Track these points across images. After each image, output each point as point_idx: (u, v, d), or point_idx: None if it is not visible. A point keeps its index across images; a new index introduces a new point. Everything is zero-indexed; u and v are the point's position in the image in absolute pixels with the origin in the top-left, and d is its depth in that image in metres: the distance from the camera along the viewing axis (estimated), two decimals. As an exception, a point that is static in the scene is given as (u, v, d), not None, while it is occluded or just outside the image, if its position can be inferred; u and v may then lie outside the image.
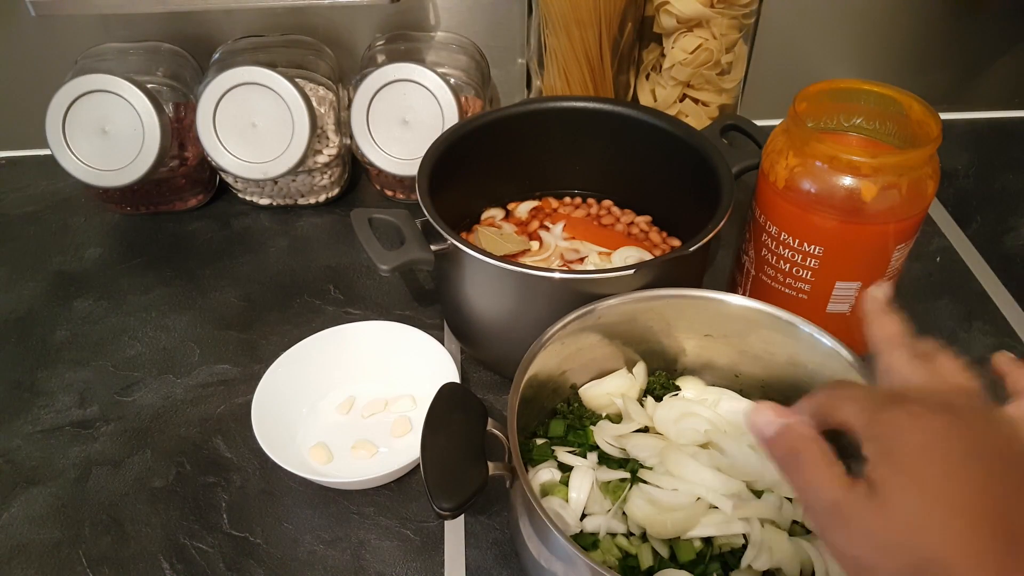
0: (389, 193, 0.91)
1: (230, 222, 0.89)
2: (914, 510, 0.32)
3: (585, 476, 0.52)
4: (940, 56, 0.97)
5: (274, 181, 0.85)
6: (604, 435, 0.55)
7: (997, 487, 0.32)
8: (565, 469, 0.54)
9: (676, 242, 0.76)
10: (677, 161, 0.71)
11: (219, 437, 0.66)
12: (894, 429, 0.34)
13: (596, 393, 0.59)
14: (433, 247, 0.63)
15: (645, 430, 0.56)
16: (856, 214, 0.57)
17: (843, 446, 0.37)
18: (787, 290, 0.64)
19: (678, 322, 0.59)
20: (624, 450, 0.55)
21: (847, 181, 0.57)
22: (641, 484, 0.52)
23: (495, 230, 0.76)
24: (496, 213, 0.80)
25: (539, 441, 0.56)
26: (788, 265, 0.63)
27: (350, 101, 0.83)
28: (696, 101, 0.85)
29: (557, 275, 0.58)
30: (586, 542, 0.50)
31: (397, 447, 0.65)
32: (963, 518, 0.31)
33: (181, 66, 0.88)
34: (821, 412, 0.37)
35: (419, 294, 0.79)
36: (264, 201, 0.89)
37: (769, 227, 0.62)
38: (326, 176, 0.87)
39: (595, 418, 0.58)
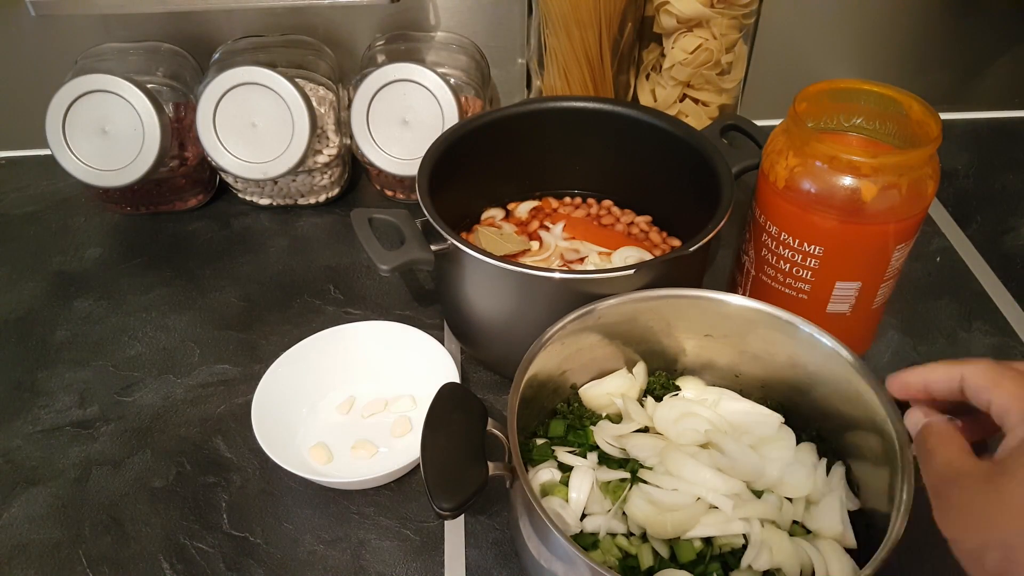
0: (389, 193, 0.91)
1: (230, 222, 0.89)
2: None
3: (585, 476, 0.52)
4: (940, 56, 0.97)
5: (274, 181, 0.85)
6: (604, 435, 0.55)
7: None
8: (565, 469, 0.54)
9: (676, 242, 0.76)
10: (677, 161, 0.71)
11: (219, 437, 0.66)
12: None
13: (596, 393, 0.59)
14: (433, 247, 0.63)
15: (645, 430, 0.56)
16: (856, 214, 0.57)
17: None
18: (787, 290, 0.64)
19: (678, 322, 0.59)
20: (624, 450, 0.55)
21: (847, 181, 0.57)
22: (641, 484, 0.52)
23: (495, 230, 0.76)
24: (496, 213, 0.80)
25: (539, 441, 0.56)
26: (788, 265, 0.63)
27: (350, 101, 0.83)
28: (696, 101, 0.85)
29: (557, 275, 0.58)
30: (586, 542, 0.50)
31: (397, 447, 0.65)
32: None
33: (181, 66, 0.88)
34: (954, 386, 0.39)
35: (419, 294, 0.79)
36: (264, 201, 0.89)
37: (769, 227, 0.62)
38: (326, 176, 0.87)
39: (595, 418, 0.58)
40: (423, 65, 0.80)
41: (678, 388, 0.60)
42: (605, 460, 0.55)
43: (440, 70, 0.81)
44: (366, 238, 0.65)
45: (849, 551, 0.49)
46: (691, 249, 0.60)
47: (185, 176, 0.86)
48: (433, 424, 0.49)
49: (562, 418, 0.58)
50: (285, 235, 0.87)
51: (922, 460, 0.39)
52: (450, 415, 0.49)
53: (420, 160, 0.68)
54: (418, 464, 0.57)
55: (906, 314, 0.76)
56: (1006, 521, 0.33)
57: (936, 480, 0.38)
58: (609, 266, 0.67)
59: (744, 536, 0.49)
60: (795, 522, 0.51)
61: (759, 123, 0.75)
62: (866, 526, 0.50)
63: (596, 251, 0.74)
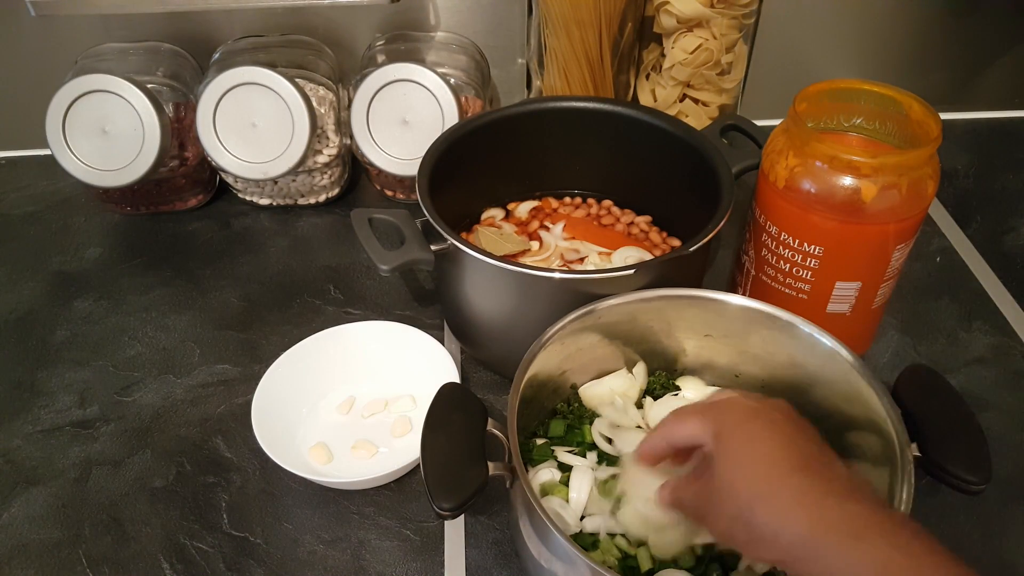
0: (389, 193, 0.91)
1: (230, 222, 0.89)
2: (730, 475, 0.41)
3: (585, 476, 0.52)
4: (940, 56, 0.97)
5: (274, 181, 0.85)
6: (597, 428, 0.56)
7: (787, 440, 0.41)
8: (565, 469, 0.54)
9: (676, 242, 0.76)
10: (677, 161, 0.71)
11: (219, 437, 0.66)
12: (719, 414, 0.43)
13: (596, 393, 0.59)
14: (433, 247, 0.63)
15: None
16: (856, 214, 0.57)
17: None
18: (787, 290, 0.64)
19: (678, 322, 0.59)
20: (614, 444, 0.55)
21: (847, 181, 0.57)
22: (636, 505, 0.50)
23: (495, 230, 0.76)
24: (496, 213, 0.80)
25: (539, 441, 0.56)
26: (788, 265, 0.63)
27: (350, 101, 0.83)
28: (696, 101, 0.85)
29: (557, 275, 0.58)
30: (586, 542, 0.50)
31: (397, 447, 0.65)
32: (764, 466, 0.40)
33: (181, 66, 0.88)
34: (670, 441, 0.46)
35: (419, 294, 0.79)
36: (264, 201, 0.89)
37: (769, 227, 0.62)
38: (326, 176, 0.87)
39: (595, 418, 0.58)
40: (423, 65, 0.80)
41: (678, 388, 0.60)
42: (604, 459, 0.55)
43: (440, 70, 0.81)
44: (366, 238, 0.65)
45: (849, 551, 0.49)
46: (691, 249, 0.60)
47: (185, 176, 0.86)
48: (433, 424, 0.49)
49: (562, 418, 0.58)
50: (285, 235, 0.87)
51: (684, 513, 0.46)
52: (450, 415, 0.50)
53: (420, 160, 0.68)
54: (418, 464, 0.57)
55: (906, 314, 0.76)
56: (723, 501, 0.41)
57: (693, 516, 0.45)
58: (609, 266, 0.67)
59: (744, 536, 0.49)
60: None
61: (759, 123, 0.75)
62: (866, 526, 0.50)
63: (596, 251, 0.74)
